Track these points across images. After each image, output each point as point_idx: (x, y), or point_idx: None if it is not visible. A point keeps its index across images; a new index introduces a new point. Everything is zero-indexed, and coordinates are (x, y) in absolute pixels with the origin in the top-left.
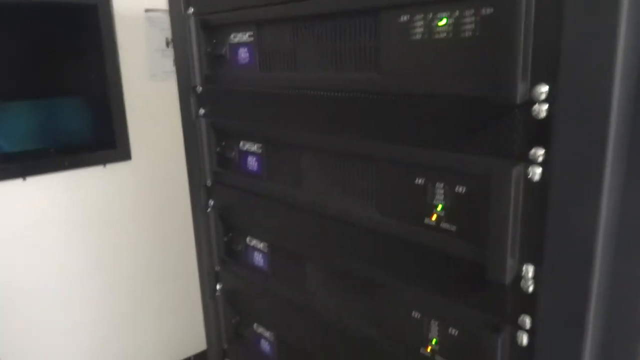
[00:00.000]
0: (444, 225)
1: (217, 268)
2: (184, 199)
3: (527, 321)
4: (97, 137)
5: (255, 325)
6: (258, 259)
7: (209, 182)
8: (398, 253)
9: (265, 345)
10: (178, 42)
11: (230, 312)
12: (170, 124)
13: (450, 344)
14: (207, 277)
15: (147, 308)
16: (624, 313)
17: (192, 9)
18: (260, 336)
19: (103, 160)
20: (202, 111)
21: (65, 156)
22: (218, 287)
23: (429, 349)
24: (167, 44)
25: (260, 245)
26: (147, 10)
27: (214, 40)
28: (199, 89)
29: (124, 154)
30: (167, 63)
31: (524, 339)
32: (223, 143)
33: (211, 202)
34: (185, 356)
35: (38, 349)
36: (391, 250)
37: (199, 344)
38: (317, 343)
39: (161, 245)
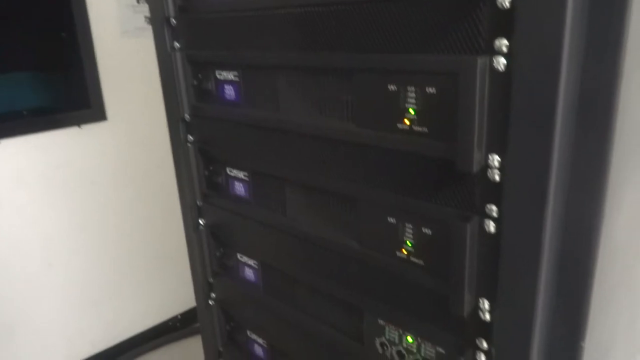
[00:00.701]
0: (416, 127)
1: (200, 203)
2: (162, 156)
3: (493, 209)
4: (71, 98)
5: (239, 255)
6: (239, 188)
7: (187, 117)
8: (374, 162)
9: (249, 274)
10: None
11: (214, 245)
12: (145, 81)
13: (424, 244)
14: (190, 213)
15: (132, 267)
16: (583, 195)
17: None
18: (244, 265)
19: (78, 121)
20: (177, 45)
21: (38, 117)
22: (201, 221)
23: (404, 251)
24: (138, 0)
25: (241, 175)
26: None
27: None
28: (173, 21)
29: (99, 114)
30: (139, 19)
31: (492, 227)
32: (200, 75)
33: (190, 137)
34: (172, 314)
35: (22, 312)
36: (367, 160)
37: (186, 302)
38: (300, 264)
39: (143, 204)
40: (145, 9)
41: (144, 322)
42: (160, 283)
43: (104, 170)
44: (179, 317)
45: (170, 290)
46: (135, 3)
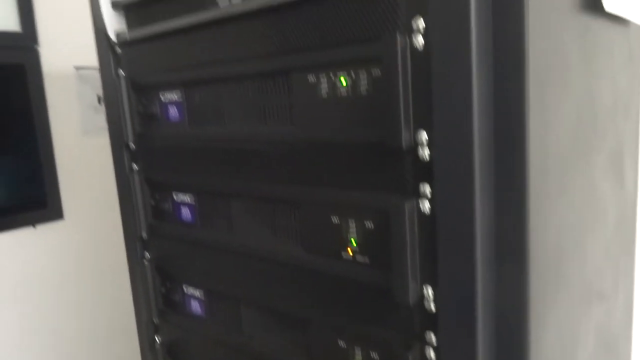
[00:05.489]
0: (359, 258)
1: (156, 320)
2: (120, 256)
3: (432, 337)
4: (27, 197)
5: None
6: (195, 306)
7: (144, 235)
8: (322, 286)
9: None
10: (109, 102)
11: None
12: (103, 179)
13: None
14: (146, 330)
15: None
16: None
17: (122, 72)
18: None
19: (33, 221)
20: (135, 166)
21: None
22: (157, 339)
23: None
24: (99, 101)
25: (197, 293)
26: (77, 68)
27: (144, 100)
28: (132, 145)
29: (55, 214)
30: (99, 119)
31: (432, 354)
32: (157, 196)
33: (147, 254)
34: None
35: None
36: (316, 284)
37: None
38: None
39: (99, 306)
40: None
41: None
42: None
43: (58, 272)
44: None
45: None
46: (97, 104)
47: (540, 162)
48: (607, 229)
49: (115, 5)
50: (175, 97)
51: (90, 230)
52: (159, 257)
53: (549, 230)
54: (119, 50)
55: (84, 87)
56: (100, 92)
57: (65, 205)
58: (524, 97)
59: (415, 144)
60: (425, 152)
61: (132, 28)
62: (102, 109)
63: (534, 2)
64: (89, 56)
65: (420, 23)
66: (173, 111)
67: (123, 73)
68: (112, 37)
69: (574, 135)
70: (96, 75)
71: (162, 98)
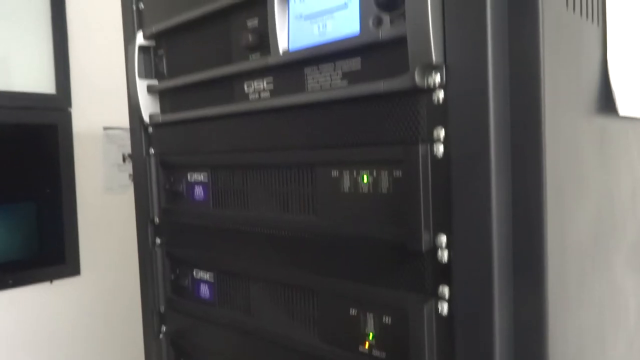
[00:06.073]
0: (375, 352)
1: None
2: (135, 317)
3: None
4: (45, 252)
5: None
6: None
7: (162, 308)
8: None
9: None
10: (138, 177)
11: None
12: (122, 237)
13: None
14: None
15: None
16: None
17: (152, 150)
18: None
19: (51, 277)
20: (158, 240)
21: (9, 274)
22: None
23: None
24: (124, 159)
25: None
26: (105, 128)
27: (172, 178)
28: (156, 220)
29: (73, 270)
30: (123, 177)
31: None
32: (177, 271)
33: (163, 328)
34: None
35: None
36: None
37: None
38: None
39: None
40: (129, 167)
41: None
42: None
43: (73, 329)
44: None
45: None
46: (121, 162)
47: (559, 264)
48: (629, 323)
49: (150, 90)
50: (201, 178)
51: (105, 287)
52: (175, 331)
53: (569, 333)
54: (151, 130)
55: (110, 147)
56: (125, 150)
57: (83, 261)
58: (542, 201)
59: (434, 246)
60: (444, 255)
61: (165, 111)
62: (125, 167)
63: (551, 108)
64: (118, 117)
65: (441, 133)
66: (198, 191)
67: (153, 151)
68: (146, 118)
69: (593, 233)
70: (122, 135)
71: (189, 178)
